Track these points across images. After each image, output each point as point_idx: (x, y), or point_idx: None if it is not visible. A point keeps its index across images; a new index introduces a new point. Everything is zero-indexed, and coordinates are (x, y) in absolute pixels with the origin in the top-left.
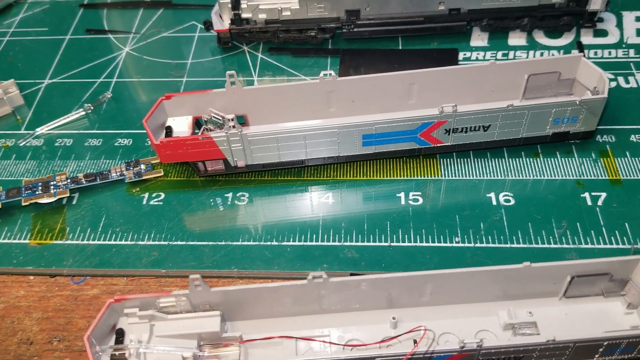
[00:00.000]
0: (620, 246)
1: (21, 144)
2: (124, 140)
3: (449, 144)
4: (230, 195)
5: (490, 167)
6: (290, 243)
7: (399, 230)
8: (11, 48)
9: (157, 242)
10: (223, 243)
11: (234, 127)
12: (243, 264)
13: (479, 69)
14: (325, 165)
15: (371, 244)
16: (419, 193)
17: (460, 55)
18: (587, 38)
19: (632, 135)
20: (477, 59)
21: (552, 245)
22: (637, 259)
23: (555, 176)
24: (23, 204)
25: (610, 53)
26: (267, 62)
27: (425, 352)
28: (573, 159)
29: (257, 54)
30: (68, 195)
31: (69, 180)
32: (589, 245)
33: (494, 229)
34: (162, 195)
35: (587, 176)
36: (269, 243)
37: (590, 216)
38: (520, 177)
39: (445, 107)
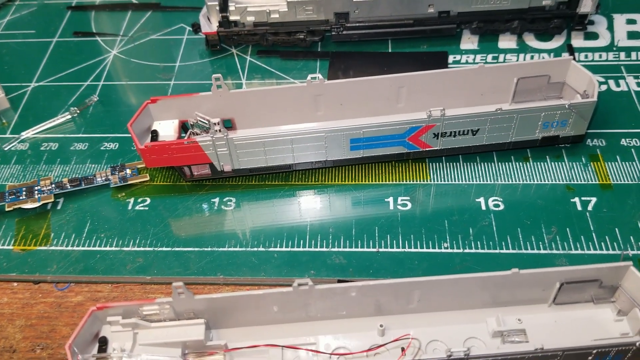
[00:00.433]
0: (611, 252)
1: (6, 148)
2: (110, 144)
3: (437, 148)
4: (217, 200)
5: (480, 172)
6: (277, 249)
7: (387, 235)
8: None
9: (142, 248)
10: (209, 249)
11: (219, 131)
12: (229, 271)
13: (468, 72)
14: (313, 170)
15: (359, 249)
16: (408, 198)
17: (450, 58)
18: (577, 41)
19: (623, 139)
20: (467, 62)
21: (542, 251)
22: (626, 265)
23: (545, 181)
24: (7, 209)
25: (600, 56)
26: (255, 65)
27: None
28: (563, 163)
29: (246, 57)
30: (52, 200)
31: (53, 185)
32: (579, 251)
33: (483, 234)
34: (148, 200)
35: (577, 181)
36: (255, 249)
37: (580, 221)
38: (510, 182)
39: (433, 111)
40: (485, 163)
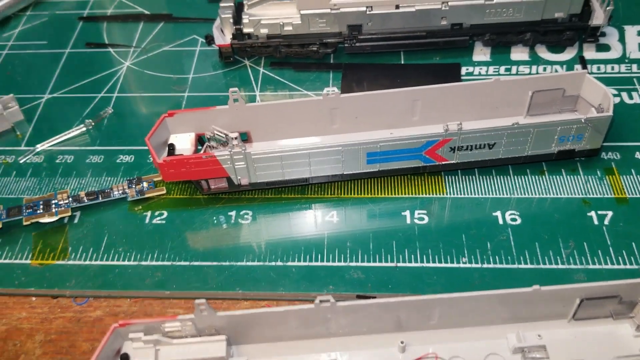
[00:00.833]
0: (628, 266)
1: (21, 161)
2: (125, 157)
3: (454, 161)
4: (233, 213)
5: (496, 185)
6: (295, 263)
7: (405, 249)
8: (10, 62)
9: (160, 263)
10: (227, 263)
11: (237, 145)
12: (248, 286)
13: (483, 86)
14: (329, 183)
15: (377, 264)
16: (425, 211)
17: (463, 70)
18: (589, 53)
19: (637, 152)
20: (479, 74)
21: (560, 266)
22: None
23: (561, 194)
24: (24, 223)
25: (613, 68)
26: (268, 76)
27: None
28: (578, 176)
29: (259, 69)
30: (70, 214)
31: (70, 199)
32: (597, 266)
33: (501, 249)
34: (165, 214)
35: (593, 194)
36: (273, 263)
37: (597, 236)
38: (526, 196)
39: (450, 125)
40: (501, 176)
